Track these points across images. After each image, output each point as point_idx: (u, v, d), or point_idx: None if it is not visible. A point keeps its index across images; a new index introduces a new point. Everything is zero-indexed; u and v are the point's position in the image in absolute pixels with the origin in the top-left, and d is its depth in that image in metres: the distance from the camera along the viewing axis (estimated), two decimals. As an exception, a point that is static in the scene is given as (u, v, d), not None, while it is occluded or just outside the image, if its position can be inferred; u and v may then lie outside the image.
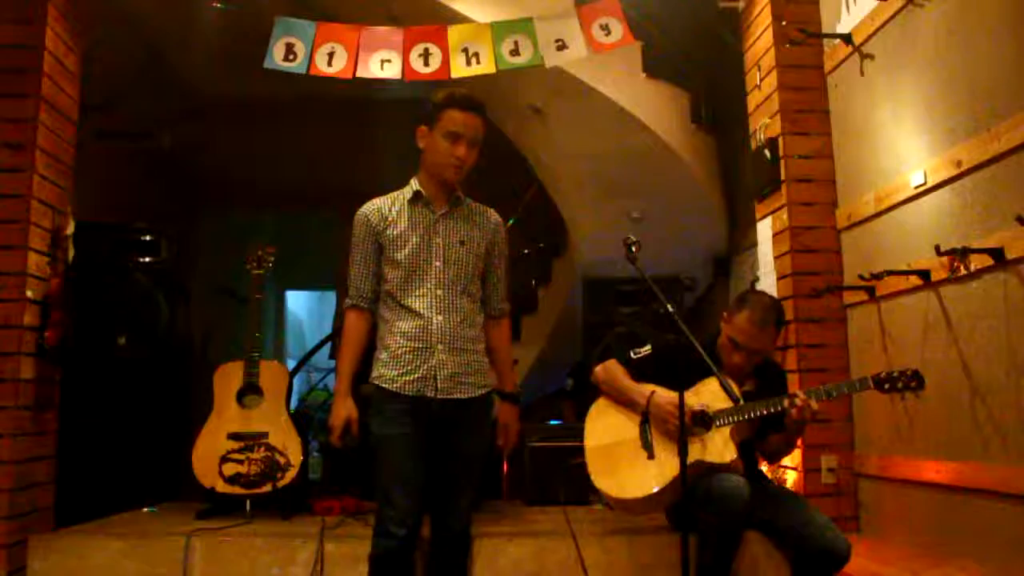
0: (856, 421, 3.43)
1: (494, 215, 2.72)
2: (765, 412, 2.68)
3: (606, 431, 2.86)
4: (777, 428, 2.78)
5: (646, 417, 2.77)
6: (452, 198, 2.63)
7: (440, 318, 2.52)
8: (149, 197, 6.69)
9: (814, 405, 2.61)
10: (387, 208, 2.61)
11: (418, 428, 2.49)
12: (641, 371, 2.86)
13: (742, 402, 2.66)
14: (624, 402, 2.85)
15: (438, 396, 2.50)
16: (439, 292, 2.53)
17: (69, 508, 3.37)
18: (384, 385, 2.53)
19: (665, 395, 2.72)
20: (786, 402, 2.63)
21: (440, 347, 2.51)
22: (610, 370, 2.90)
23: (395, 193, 2.65)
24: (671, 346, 2.73)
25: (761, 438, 2.87)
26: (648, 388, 2.79)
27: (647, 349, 2.89)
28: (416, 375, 2.50)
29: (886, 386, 2.58)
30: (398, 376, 2.51)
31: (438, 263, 2.55)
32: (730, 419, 2.69)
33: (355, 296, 2.63)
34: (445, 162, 2.54)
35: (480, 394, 2.57)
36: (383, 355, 2.56)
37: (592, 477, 2.84)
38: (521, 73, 3.88)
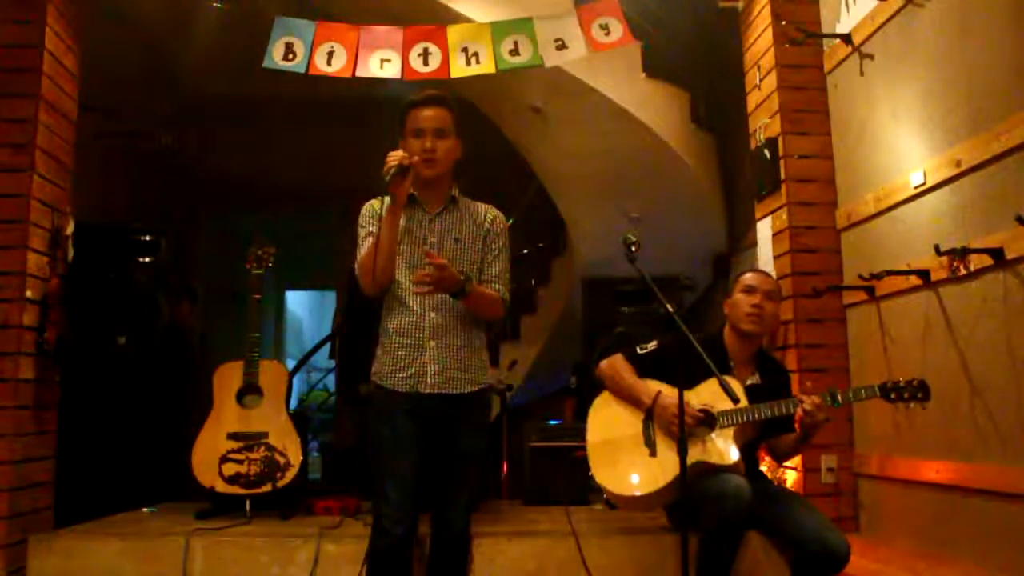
0: (856, 421, 3.43)
1: (492, 211, 2.72)
2: (769, 414, 2.68)
3: (609, 426, 2.86)
4: (785, 429, 2.79)
5: (650, 414, 2.77)
6: (447, 199, 2.63)
7: (433, 315, 2.53)
8: (149, 197, 6.69)
9: (811, 406, 2.61)
10: (384, 211, 2.60)
11: (415, 426, 2.49)
12: (646, 367, 2.86)
13: (743, 403, 2.66)
14: (628, 399, 2.84)
15: (429, 391, 2.50)
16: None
17: (69, 508, 3.37)
18: (380, 382, 2.55)
19: (671, 395, 2.72)
20: (794, 407, 2.64)
21: (432, 343, 2.52)
22: (615, 366, 2.90)
23: None
24: (677, 343, 2.73)
25: (769, 438, 2.88)
26: (654, 386, 2.79)
27: (653, 344, 2.89)
28: (409, 372, 2.51)
29: (892, 395, 2.58)
30: (392, 373, 2.53)
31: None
32: (734, 420, 2.68)
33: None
34: (417, 158, 2.52)
35: (474, 390, 2.57)
36: (378, 352, 2.60)
37: (593, 471, 2.84)
38: (521, 73, 3.88)
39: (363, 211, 2.64)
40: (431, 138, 2.54)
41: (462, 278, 2.50)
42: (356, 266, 2.55)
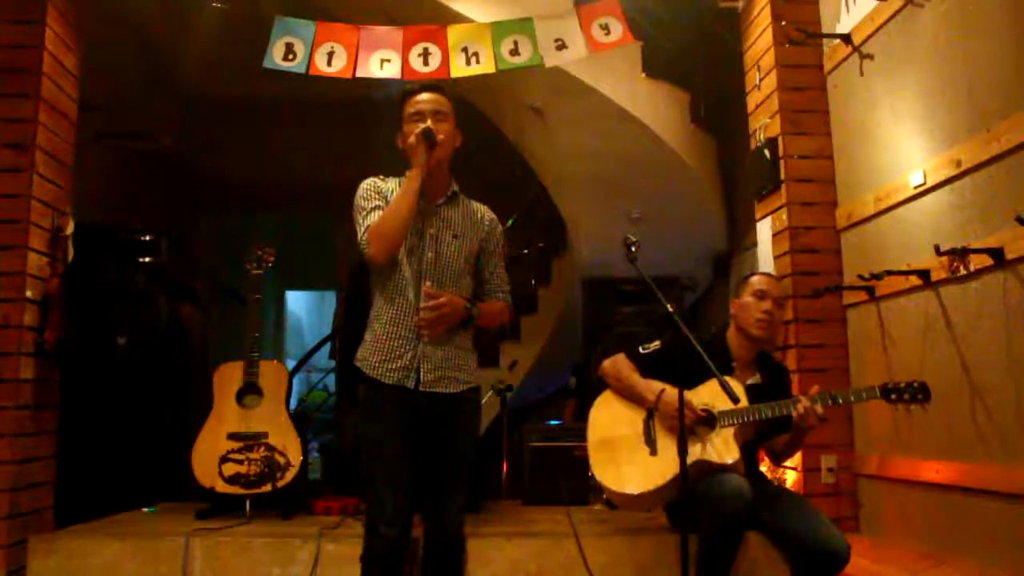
0: (856, 421, 3.43)
1: (489, 213, 2.71)
2: (770, 415, 2.68)
3: (610, 424, 2.87)
4: (785, 429, 2.79)
5: (651, 412, 2.78)
6: (449, 192, 2.62)
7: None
8: (149, 197, 6.70)
9: (819, 410, 2.62)
10: (386, 190, 2.59)
11: (407, 426, 2.47)
12: (649, 366, 2.86)
13: (742, 402, 2.66)
14: (631, 397, 2.85)
15: (420, 389, 2.47)
16: (428, 283, 2.51)
17: (69, 508, 3.37)
18: (367, 371, 2.51)
19: (675, 393, 2.71)
20: (792, 408, 2.64)
21: (427, 339, 2.49)
22: (618, 364, 2.91)
23: (393, 179, 2.63)
24: (680, 343, 2.73)
25: (766, 439, 2.88)
26: (657, 385, 2.79)
27: (656, 344, 2.90)
28: (398, 364, 2.48)
29: (893, 396, 2.58)
30: (380, 363, 2.49)
31: (430, 254, 2.53)
32: (734, 420, 2.69)
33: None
34: (442, 136, 2.52)
35: (464, 390, 2.55)
36: (368, 337, 2.56)
37: (593, 469, 2.84)
38: (521, 73, 3.88)
39: (363, 187, 2.60)
40: (431, 119, 2.52)
41: (468, 306, 2.52)
42: (365, 235, 2.48)
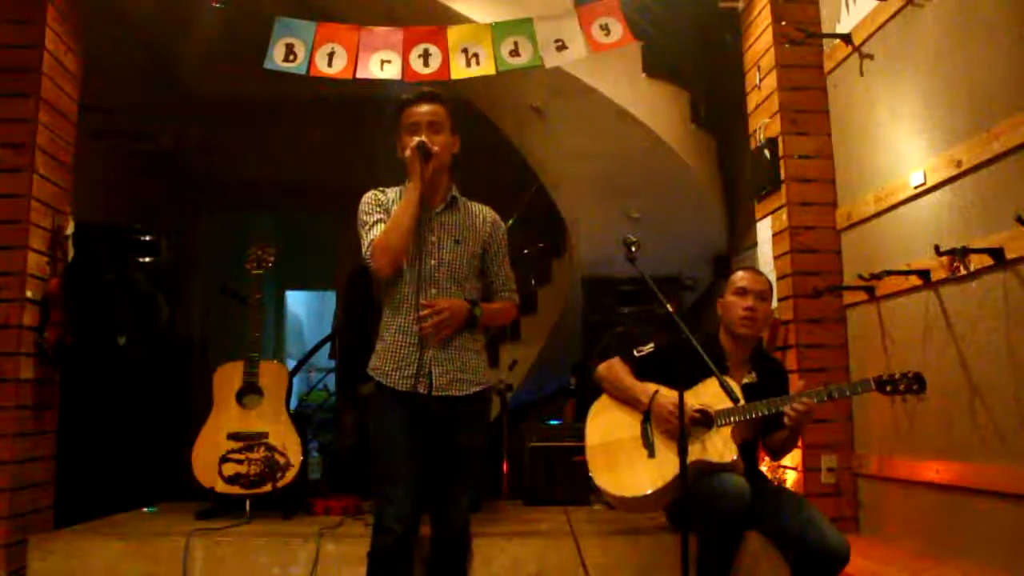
0: (856, 421, 3.43)
1: (490, 212, 2.73)
2: (765, 412, 2.68)
3: (607, 429, 2.87)
4: (780, 426, 2.79)
5: (648, 416, 2.78)
6: (448, 198, 2.64)
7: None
8: (149, 197, 6.70)
9: (801, 407, 2.62)
10: (387, 201, 2.62)
11: (416, 426, 2.49)
12: (644, 369, 2.87)
13: (742, 402, 2.66)
14: (626, 400, 2.85)
15: (432, 393, 2.50)
16: (433, 291, 2.53)
17: (69, 508, 3.38)
18: (380, 379, 2.55)
19: (668, 395, 2.72)
20: (784, 406, 2.65)
21: (437, 344, 2.52)
22: (613, 368, 2.91)
23: (394, 189, 2.66)
24: (674, 345, 2.73)
25: (765, 435, 2.88)
26: (651, 387, 2.80)
27: (650, 347, 2.90)
28: (410, 371, 2.50)
29: (888, 388, 2.58)
30: (392, 371, 2.53)
31: (433, 261, 2.55)
32: (731, 419, 2.69)
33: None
34: (437, 148, 2.55)
35: (475, 391, 2.58)
36: (378, 347, 2.60)
37: (592, 474, 2.84)
38: (521, 73, 3.88)
39: (365, 200, 2.64)
40: (426, 131, 2.55)
41: (470, 307, 2.54)
42: (369, 249, 2.52)
